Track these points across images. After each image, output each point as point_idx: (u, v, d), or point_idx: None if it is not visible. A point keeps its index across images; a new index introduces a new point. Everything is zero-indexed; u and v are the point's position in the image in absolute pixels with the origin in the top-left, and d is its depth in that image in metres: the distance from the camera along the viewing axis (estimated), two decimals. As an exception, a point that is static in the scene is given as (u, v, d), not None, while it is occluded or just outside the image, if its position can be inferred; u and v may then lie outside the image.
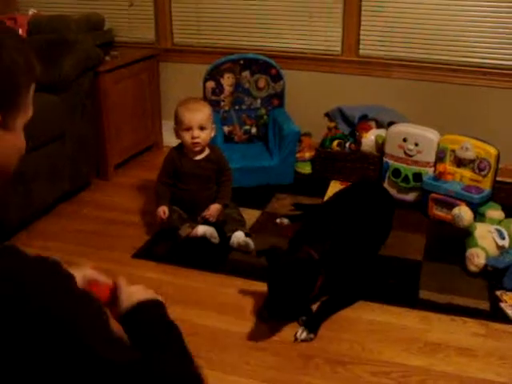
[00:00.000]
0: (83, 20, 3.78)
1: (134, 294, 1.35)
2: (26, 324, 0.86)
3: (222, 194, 3.25)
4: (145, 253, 3.12)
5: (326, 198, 3.61)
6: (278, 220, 3.39)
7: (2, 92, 0.93)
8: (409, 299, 2.71)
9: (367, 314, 2.60)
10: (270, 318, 2.50)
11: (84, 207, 3.64)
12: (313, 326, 2.47)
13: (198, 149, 3.17)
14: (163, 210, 3.15)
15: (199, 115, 3.12)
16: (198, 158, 3.21)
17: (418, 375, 2.25)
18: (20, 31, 3.78)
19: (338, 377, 2.25)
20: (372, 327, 2.53)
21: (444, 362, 2.33)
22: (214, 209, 3.19)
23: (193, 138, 3.12)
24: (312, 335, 2.44)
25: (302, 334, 2.43)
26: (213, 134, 3.23)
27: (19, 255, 0.93)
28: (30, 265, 0.93)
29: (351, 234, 2.76)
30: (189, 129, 3.12)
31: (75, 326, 0.91)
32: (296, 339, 2.43)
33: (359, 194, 3.20)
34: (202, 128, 3.13)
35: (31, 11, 4.14)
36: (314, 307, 2.60)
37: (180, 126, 3.15)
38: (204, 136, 3.15)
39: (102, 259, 3.04)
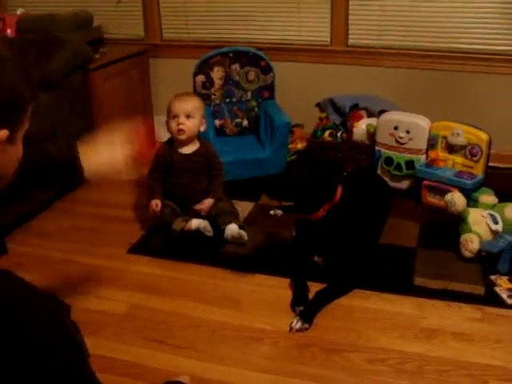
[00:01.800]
0: (72, 18, 3.78)
1: None
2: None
3: (214, 188, 3.26)
4: (140, 248, 3.12)
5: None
6: (271, 211, 3.40)
7: (9, 110, 0.99)
8: (404, 286, 2.72)
9: (362, 302, 2.61)
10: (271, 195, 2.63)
11: (78, 204, 3.64)
12: (308, 316, 2.48)
13: (182, 137, 3.16)
14: (156, 203, 3.16)
15: (187, 104, 3.15)
16: (189, 152, 3.22)
17: (415, 361, 2.26)
18: (9, 31, 3.78)
19: (334, 365, 2.25)
20: (367, 315, 2.54)
21: (440, 347, 2.34)
22: (207, 203, 3.21)
23: (178, 124, 3.13)
24: (307, 325, 2.44)
25: (297, 323, 2.44)
26: (202, 129, 3.23)
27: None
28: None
29: (351, 223, 2.76)
30: (175, 116, 3.14)
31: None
32: (291, 329, 2.44)
33: (357, 182, 3.21)
34: (188, 116, 3.14)
35: (19, 11, 4.13)
36: (310, 297, 2.62)
37: (168, 115, 3.18)
38: (190, 124, 3.15)
39: (98, 255, 3.05)
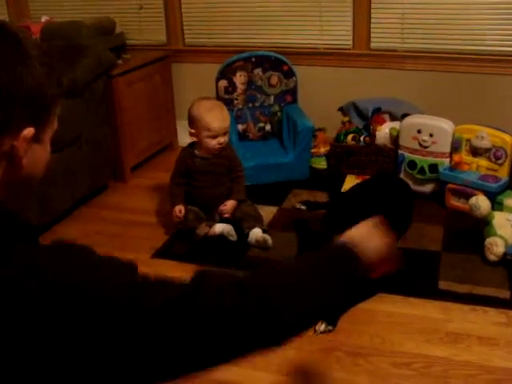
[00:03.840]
0: (95, 25, 3.80)
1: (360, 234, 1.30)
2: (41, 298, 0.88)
3: (237, 190, 3.28)
4: (164, 252, 3.14)
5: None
6: (297, 205, 3.48)
7: (35, 107, 0.99)
8: (428, 290, 2.70)
9: (387, 306, 2.61)
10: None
11: (102, 210, 3.67)
12: (331, 318, 2.48)
13: (222, 151, 3.21)
14: (179, 209, 3.18)
15: (226, 123, 3.18)
16: (210, 154, 3.23)
17: (440, 365, 2.25)
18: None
19: (359, 369, 2.25)
20: (392, 319, 2.53)
21: (466, 351, 2.32)
22: (230, 204, 3.23)
23: (219, 143, 3.16)
24: (331, 327, 2.45)
25: (321, 325, 2.45)
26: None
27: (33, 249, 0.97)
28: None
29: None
30: (216, 136, 3.15)
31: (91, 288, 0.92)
32: (315, 331, 2.44)
33: (378, 187, 3.20)
34: (225, 133, 3.18)
35: (44, 18, 4.17)
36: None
37: (205, 133, 3.14)
38: (227, 139, 3.22)
39: (122, 261, 3.07)
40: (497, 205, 3.16)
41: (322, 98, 4.25)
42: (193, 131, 3.19)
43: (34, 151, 1.01)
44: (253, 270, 1.13)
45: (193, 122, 3.19)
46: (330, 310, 1.15)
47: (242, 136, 4.16)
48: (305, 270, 1.15)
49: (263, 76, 4.08)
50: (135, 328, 0.92)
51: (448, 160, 3.50)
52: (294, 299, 1.08)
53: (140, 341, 0.92)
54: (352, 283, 1.19)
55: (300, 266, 1.18)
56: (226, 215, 3.22)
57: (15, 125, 0.96)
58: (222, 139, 3.15)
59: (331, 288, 1.16)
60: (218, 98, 4.01)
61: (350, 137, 3.93)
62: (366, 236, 1.28)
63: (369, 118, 3.92)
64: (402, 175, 3.64)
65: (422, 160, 3.54)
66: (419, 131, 3.54)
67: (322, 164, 4.05)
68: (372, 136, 3.87)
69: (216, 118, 3.15)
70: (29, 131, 0.97)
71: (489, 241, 2.88)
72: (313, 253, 1.20)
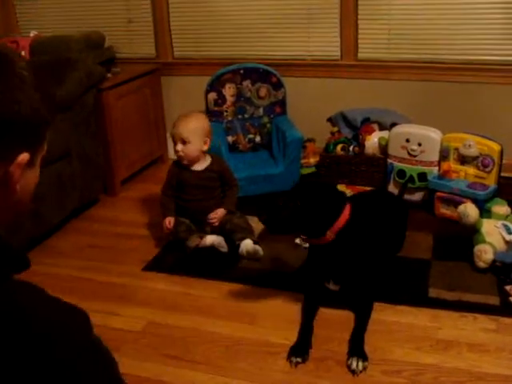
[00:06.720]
0: (84, 39, 3.82)
1: None
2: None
3: (227, 201, 3.30)
4: (155, 265, 3.14)
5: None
6: (297, 240, 3.24)
7: (32, 132, 0.97)
8: (418, 298, 2.72)
9: (377, 315, 2.61)
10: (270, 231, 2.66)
11: (93, 223, 3.67)
12: (361, 353, 2.36)
13: (183, 162, 3.22)
14: (169, 221, 3.20)
15: (182, 129, 3.16)
16: (200, 168, 3.25)
17: (431, 373, 2.26)
18: (23, 53, 3.83)
19: (350, 378, 2.26)
20: (382, 327, 2.54)
21: (456, 358, 2.33)
22: (220, 212, 3.25)
23: (175, 151, 3.20)
24: (366, 363, 2.31)
25: (359, 364, 2.29)
26: (205, 148, 3.24)
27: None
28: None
29: (362, 243, 2.65)
30: (174, 142, 3.20)
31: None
32: (354, 372, 2.28)
33: (367, 202, 3.15)
34: (184, 142, 3.16)
35: (32, 33, 4.18)
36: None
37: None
38: (186, 150, 3.18)
39: (113, 273, 3.08)
40: (485, 212, 3.18)
41: (310, 108, 4.27)
42: None
43: (26, 176, 0.98)
44: None
45: None
46: None
47: (232, 148, 4.17)
48: None
49: (252, 88, 4.10)
50: None
51: (436, 168, 3.52)
52: None
53: None
54: None
55: None
56: (216, 223, 3.24)
57: (11, 151, 0.93)
58: (178, 147, 3.18)
59: None
60: (208, 110, 4.03)
61: (339, 147, 3.95)
62: None
63: (358, 127, 3.94)
64: (391, 184, 3.66)
65: (411, 169, 3.56)
66: (408, 140, 3.57)
67: (311, 174, 4.07)
68: (361, 146, 3.89)
69: (176, 123, 3.21)
70: (24, 156, 0.94)
71: (478, 248, 2.89)
72: None
